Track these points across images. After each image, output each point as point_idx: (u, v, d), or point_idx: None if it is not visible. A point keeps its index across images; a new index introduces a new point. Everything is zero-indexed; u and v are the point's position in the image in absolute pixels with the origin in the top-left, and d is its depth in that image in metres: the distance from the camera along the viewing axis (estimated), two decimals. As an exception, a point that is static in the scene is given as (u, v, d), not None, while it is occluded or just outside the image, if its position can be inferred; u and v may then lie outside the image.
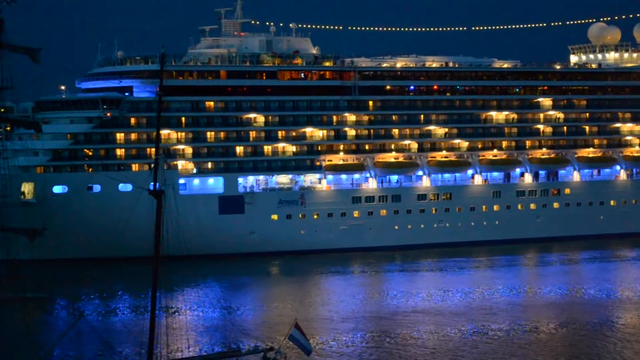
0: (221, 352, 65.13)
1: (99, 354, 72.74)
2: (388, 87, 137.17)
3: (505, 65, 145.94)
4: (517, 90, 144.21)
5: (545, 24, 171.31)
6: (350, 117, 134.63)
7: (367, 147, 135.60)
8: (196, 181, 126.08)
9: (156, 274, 50.87)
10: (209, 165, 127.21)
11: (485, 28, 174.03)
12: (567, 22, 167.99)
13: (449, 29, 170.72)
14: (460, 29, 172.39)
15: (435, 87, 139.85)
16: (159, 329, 52.01)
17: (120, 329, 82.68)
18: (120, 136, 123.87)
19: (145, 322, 55.29)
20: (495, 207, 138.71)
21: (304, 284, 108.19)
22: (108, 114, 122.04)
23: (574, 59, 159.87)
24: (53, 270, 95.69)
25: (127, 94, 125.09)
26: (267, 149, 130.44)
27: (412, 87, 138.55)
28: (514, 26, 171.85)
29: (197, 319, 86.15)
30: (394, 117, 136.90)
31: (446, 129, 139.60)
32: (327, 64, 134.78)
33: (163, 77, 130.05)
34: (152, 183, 53.91)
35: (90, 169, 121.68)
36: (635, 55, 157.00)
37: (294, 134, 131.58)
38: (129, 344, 75.08)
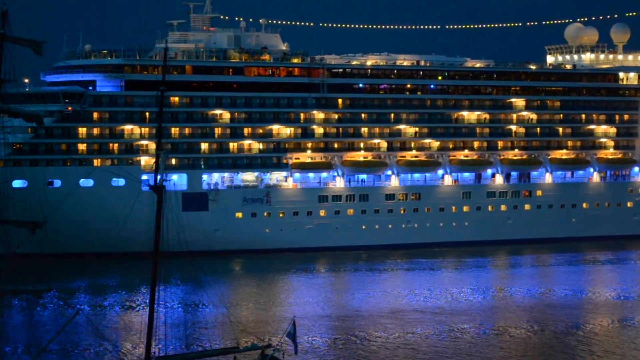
0: (219, 348, 64.84)
1: (96, 348, 72.36)
2: (360, 85, 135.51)
3: (478, 65, 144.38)
4: (490, 90, 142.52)
5: (521, 24, 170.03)
6: (319, 115, 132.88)
7: (335, 145, 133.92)
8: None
9: (155, 269, 51.20)
10: (173, 161, 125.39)
11: (459, 27, 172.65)
12: (544, 22, 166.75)
13: (422, 27, 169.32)
14: (434, 27, 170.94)
15: (408, 85, 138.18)
16: (157, 324, 52.63)
17: (118, 323, 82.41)
18: (82, 131, 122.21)
19: (143, 317, 56.59)
20: (465, 208, 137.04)
21: (266, 284, 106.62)
22: (69, 108, 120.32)
23: (550, 59, 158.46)
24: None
25: (90, 88, 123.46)
26: (233, 146, 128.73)
27: (383, 86, 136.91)
28: (489, 25, 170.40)
29: (194, 315, 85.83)
30: (363, 116, 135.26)
31: (416, 129, 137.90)
32: (296, 60, 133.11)
33: (128, 72, 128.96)
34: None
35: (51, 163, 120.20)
36: (611, 56, 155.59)
37: (260, 131, 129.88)
38: (127, 339, 75.34)
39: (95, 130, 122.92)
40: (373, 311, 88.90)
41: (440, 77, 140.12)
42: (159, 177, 51.99)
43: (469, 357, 72.30)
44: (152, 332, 51.45)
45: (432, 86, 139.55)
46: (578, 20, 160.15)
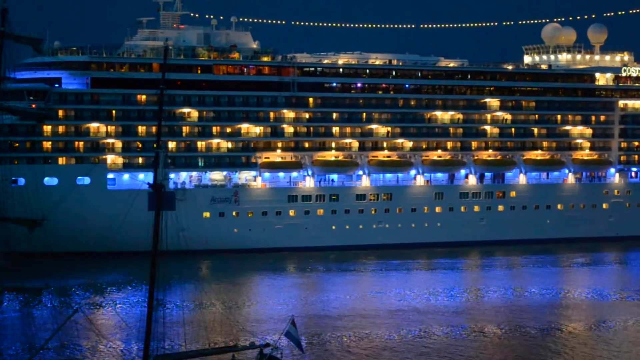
0: (218, 347, 64.94)
1: (95, 346, 72.11)
2: (333, 84, 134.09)
3: (452, 65, 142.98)
4: (464, 90, 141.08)
5: (497, 23, 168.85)
6: (289, 114, 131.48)
7: (305, 145, 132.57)
8: (126, 176, 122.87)
9: (154, 268, 51.58)
10: (140, 160, 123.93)
11: (435, 26, 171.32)
12: (520, 22, 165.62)
13: (397, 26, 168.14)
14: (409, 26, 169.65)
15: (383, 85, 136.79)
16: (156, 323, 52.79)
17: (117, 322, 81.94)
18: (47, 128, 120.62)
19: (142, 316, 56.41)
20: (438, 209, 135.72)
21: (233, 285, 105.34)
22: (33, 106, 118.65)
23: (527, 59, 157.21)
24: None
25: (56, 85, 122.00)
26: (201, 144, 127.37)
27: (359, 85, 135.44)
28: (465, 25, 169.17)
29: (193, 314, 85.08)
30: (334, 115, 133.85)
31: (389, 128, 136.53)
32: (266, 59, 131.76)
33: (94, 69, 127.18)
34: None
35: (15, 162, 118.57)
36: (588, 57, 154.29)
37: (229, 130, 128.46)
38: (126, 337, 75.00)
39: (61, 128, 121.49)
40: (340, 313, 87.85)
41: (412, 77, 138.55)
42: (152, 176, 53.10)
43: (440, 357, 71.71)
44: (150, 330, 51.53)
45: (406, 85, 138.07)
46: (555, 20, 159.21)
